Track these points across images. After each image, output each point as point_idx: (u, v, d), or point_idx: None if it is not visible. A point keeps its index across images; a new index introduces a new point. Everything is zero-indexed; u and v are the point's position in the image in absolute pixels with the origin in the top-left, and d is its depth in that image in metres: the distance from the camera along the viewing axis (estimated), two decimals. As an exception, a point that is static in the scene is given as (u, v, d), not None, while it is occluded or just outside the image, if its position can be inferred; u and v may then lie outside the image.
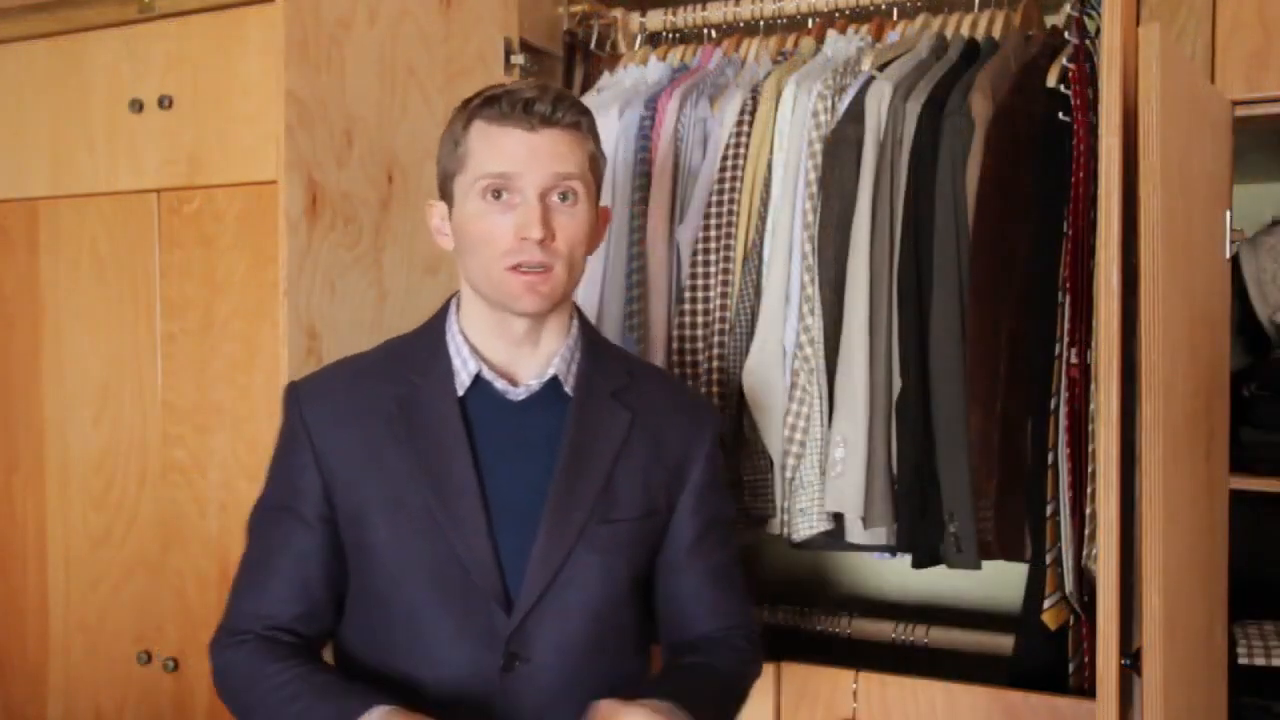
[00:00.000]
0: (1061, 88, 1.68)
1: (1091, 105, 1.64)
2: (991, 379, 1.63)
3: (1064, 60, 1.69)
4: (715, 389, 1.79)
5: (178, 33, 1.70)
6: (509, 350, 1.35)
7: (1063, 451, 1.65)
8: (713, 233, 1.83)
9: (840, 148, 1.73)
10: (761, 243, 1.81)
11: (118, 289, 1.77)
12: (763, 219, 1.81)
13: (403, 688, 1.29)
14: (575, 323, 1.39)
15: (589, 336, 1.42)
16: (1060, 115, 1.66)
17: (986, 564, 1.67)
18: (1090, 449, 1.62)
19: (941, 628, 2.00)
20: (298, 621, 1.33)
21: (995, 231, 1.65)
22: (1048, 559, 1.65)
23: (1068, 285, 1.65)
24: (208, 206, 1.70)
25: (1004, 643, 1.85)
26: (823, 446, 1.72)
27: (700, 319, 1.83)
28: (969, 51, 1.83)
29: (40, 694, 1.86)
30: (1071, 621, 1.68)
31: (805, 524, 1.74)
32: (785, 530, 1.77)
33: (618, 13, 2.16)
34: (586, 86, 2.14)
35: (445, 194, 1.35)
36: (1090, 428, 1.61)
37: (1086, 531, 1.62)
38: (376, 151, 1.71)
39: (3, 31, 1.83)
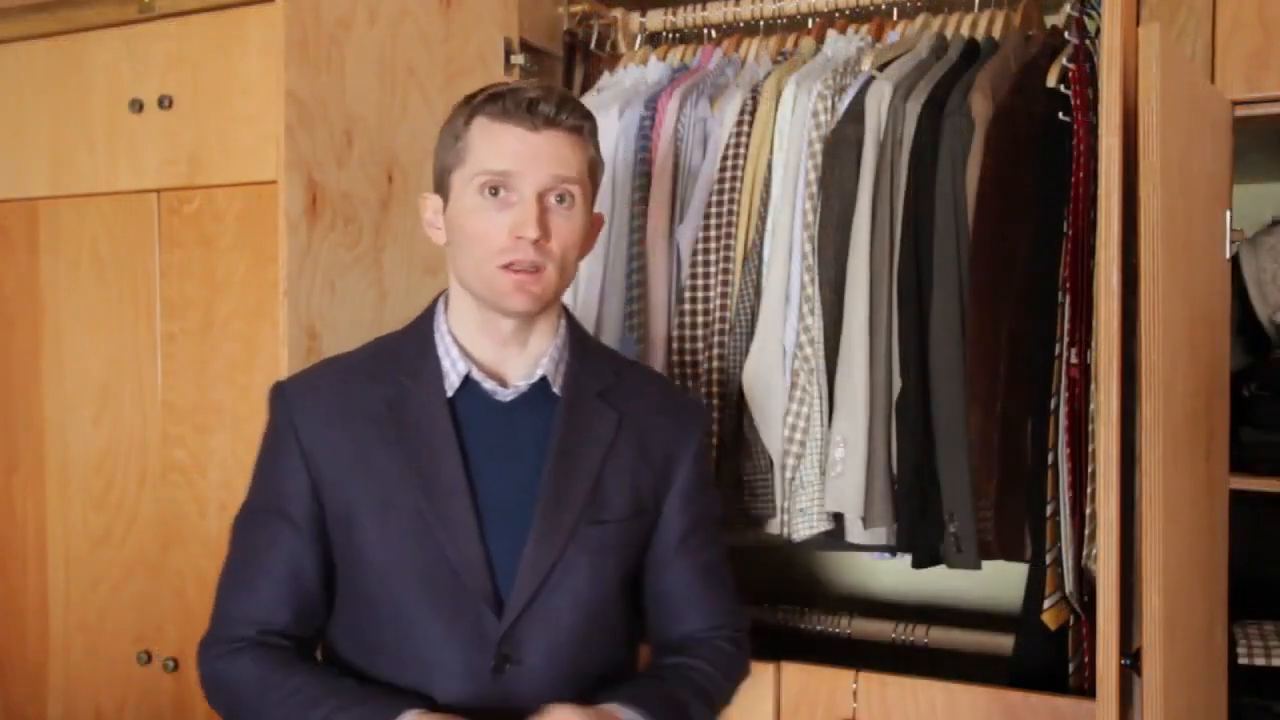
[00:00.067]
0: (1061, 88, 1.68)
1: (1091, 105, 1.64)
2: (991, 379, 1.63)
3: (1064, 60, 1.69)
4: (715, 389, 1.79)
5: (178, 33, 1.70)
6: (497, 350, 1.35)
7: (1063, 451, 1.65)
8: (713, 233, 1.83)
9: (840, 148, 1.73)
10: (761, 243, 1.81)
11: (118, 289, 1.77)
12: (763, 219, 1.81)
13: (392, 690, 1.28)
14: (563, 323, 1.39)
15: (577, 336, 1.42)
16: (1060, 115, 1.66)
17: (986, 564, 1.67)
18: (1090, 449, 1.62)
19: (941, 628, 2.00)
20: (291, 625, 1.32)
21: (995, 231, 1.65)
22: (1048, 559, 1.65)
23: (1068, 285, 1.65)
24: (208, 206, 1.70)
25: (1004, 643, 1.85)
26: (823, 446, 1.72)
27: (700, 319, 1.83)
28: (969, 51, 1.83)
29: (40, 694, 1.86)
30: (1071, 621, 1.68)
31: (805, 524, 1.74)
32: (785, 530, 1.77)
33: (618, 13, 2.16)
34: (586, 86, 2.14)
35: (441, 188, 1.34)
36: (1090, 428, 1.61)
37: (1086, 531, 1.62)
38: (376, 151, 1.71)
39: (3, 31, 1.83)
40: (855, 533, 1.75)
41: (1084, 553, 1.63)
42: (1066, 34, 1.73)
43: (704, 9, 2.08)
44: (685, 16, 2.09)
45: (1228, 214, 1.67)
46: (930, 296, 1.68)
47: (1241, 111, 1.71)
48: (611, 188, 1.90)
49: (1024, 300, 1.65)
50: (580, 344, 1.41)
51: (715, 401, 1.79)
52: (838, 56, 1.91)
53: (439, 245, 1.38)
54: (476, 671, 1.28)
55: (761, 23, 2.04)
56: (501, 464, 1.33)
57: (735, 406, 1.79)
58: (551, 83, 2.08)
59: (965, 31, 1.89)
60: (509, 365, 1.36)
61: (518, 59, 1.98)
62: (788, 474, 1.75)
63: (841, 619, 2.06)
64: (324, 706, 1.24)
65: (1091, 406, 1.60)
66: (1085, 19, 1.72)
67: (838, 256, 1.72)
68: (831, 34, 1.96)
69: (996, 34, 1.87)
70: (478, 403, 1.34)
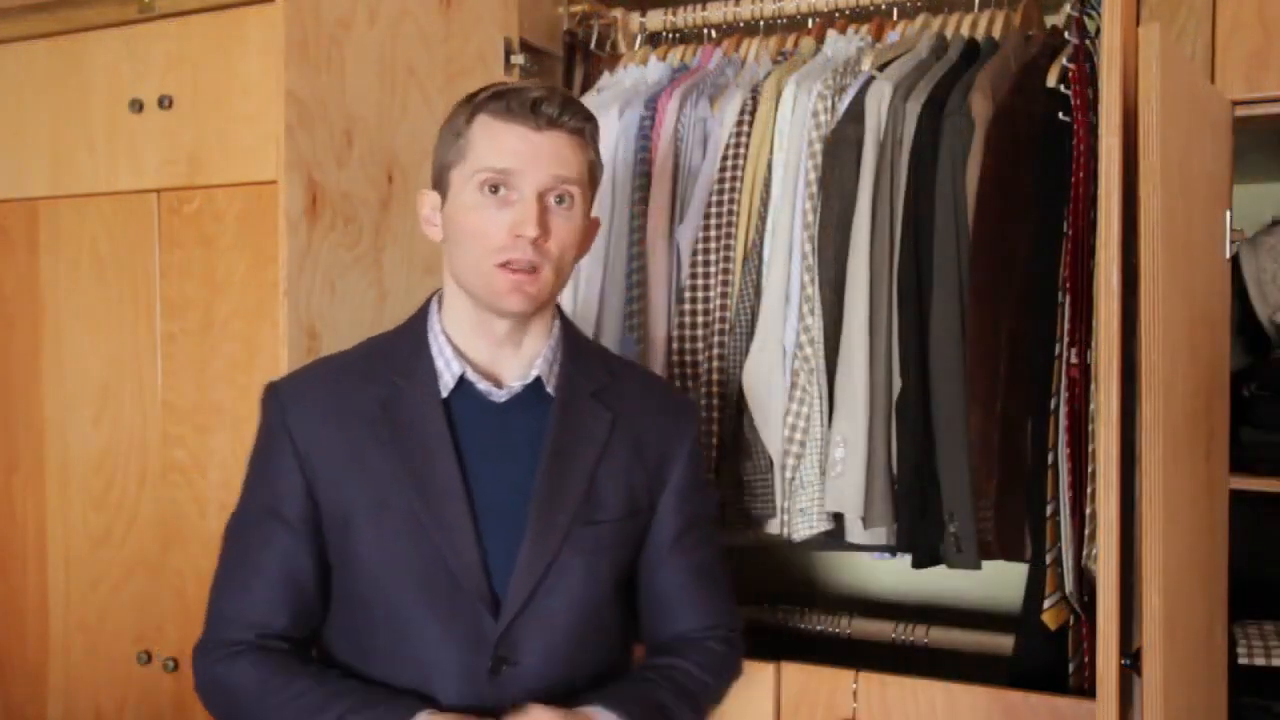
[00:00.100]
0: (1061, 88, 1.68)
1: (1091, 105, 1.64)
2: (991, 379, 1.63)
3: (1064, 60, 1.69)
4: (715, 389, 1.79)
5: (178, 33, 1.70)
6: (491, 351, 1.35)
7: (1063, 451, 1.65)
8: (713, 233, 1.83)
9: (840, 148, 1.73)
10: (761, 243, 1.81)
11: (118, 289, 1.77)
12: (763, 219, 1.81)
13: (395, 691, 1.28)
14: (557, 323, 1.39)
15: (570, 336, 1.41)
16: (1060, 115, 1.66)
17: (986, 564, 1.67)
18: (1090, 449, 1.62)
19: (941, 628, 2.00)
20: (289, 627, 1.32)
21: (995, 231, 1.65)
22: (1048, 559, 1.65)
23: (1068, 285, 1.65)
24: (208, 206, 1.70)
25: (1004, 643, 1.85)
26: (823, 446, 1.72)
27: (700, 319, 1.83)
28: (969, 51, 1.83)
29: (40, 694, 1.86)
30: (1071, 621, 1.68)
31: (805, 524, 1.74)
32: (785, 530, 1.77)
33: (618, 13, 2.16)
34: (586, 86, 2.14)
35: (440, 184, 1.34)
36: (1090, 428, 1.61)
37: (1086, 531, 1.62)
38: (376, 151, 1.71)
39: (3, 31, 1.83)
40: (855, 533, 1.75)
41: (1084, 553, 1.63)
42: (1066, 34, 1.73)
43: (704, 9, 2.08)
44: (685, 16, 2.09)
45: (1228, 214, 1.67)
46: (930, 296, 1.68)
47: (1241, 111, 1.71)
48: (611, 188, 1.90)
49: (1024, 300, 1.65)
50: (574, 344, 1.41)
51: (715, 401, 1.79)
52: (838, 56, 1.91)
53: (435, 242, 1.37)
54: (473, 673, 1.28)
55: (761, 23, 2.04)
56: (496, 465, 1.32)
57: (735, 406, 1.79)
58: (553, 83, 2.09)
59: (965, 31, 1.89)
60: (503, 365, 1.35)
61: (518, 59, 1.98)
62: (788, 474, 1.75)
63: (841, 619, 2.06)
64: (331, 710, 1.24)
65: (1091, 406, 1.60)
66: (1085, 19, 1.72)
67: (838, 256, 1.72)
68: (831, 34, 1.96)
69: (996, 34, 1.87)
70: (472, 403, 1.33)
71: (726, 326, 1.81)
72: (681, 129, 1.90)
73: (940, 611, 2.20)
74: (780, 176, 1.80)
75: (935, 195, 1.69)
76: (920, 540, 1.70)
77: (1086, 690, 1.62)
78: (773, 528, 1.79)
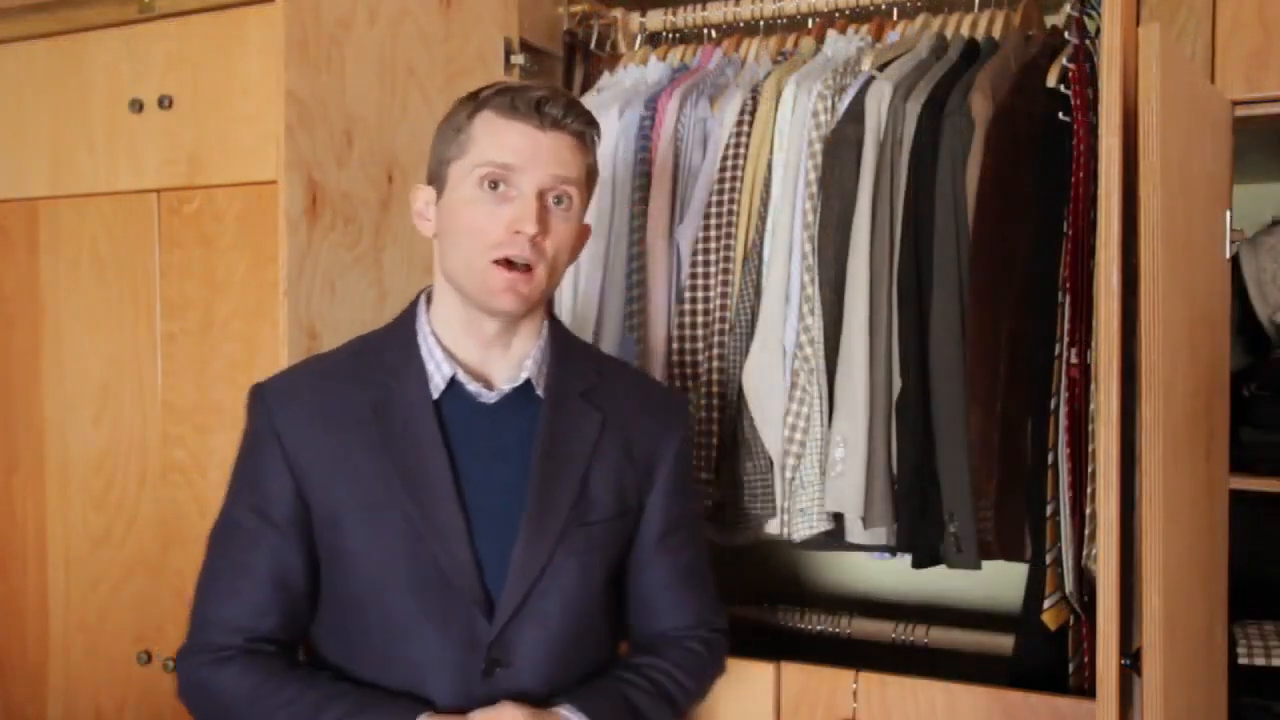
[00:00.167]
0: (1061, 88, 1.68)
1: (1091, 105, 1.64)
2: (991, 379, 1.63)
3: (1064, 60, 1.69)
4: (715, 389, 1.79)
5: (178, 33, 1.70)
6: (480, 351, 1.34)
7: (1063, 451, 1.65)
8: (713, 233, 1.83)
9: (840, 148, 1.73)
10: (761, 243, 1.81)
11: (118, 289, 1.77)
12: (763, 219, 1.81)
13: (390, 693, 1.28)
14: (546, 324, 1.39)
15: (559, 336, 1.41)
16: (1060, 115, 1.66)
17: (986, 564, 1.67)
18: (1090, 449, 1.62)
19: (941, 628, 2.00)
20: (278, 630, 1.31)
21: (995, 231, 1.65)
22: (1048, 559, 1.65)
23: (1068, 285, 1.65)
24: (208, 206, 1.70)
25: (1004, 643, 1.85)
26: (823, 446, 1.72)
27: (700, 319, 1.83)
28: (969, 51, 1.83)
29: (40, 694, 1.86)
30: (1071, 621, 1.68)
31: (805, 524, 1.74)
32: (785, 530, 1.77)
33: (618, 13, 2.16)
34: (586, 86, 2.14)
35: (436, 179, 1.34)
36: (1090, 428, 1.61)
37: (1086, 531, 1.62)
38: (376, 151, 1.71)
39: (3, 31, 1.83)
40: (855, 533, 1.75)
41: (1084, 553, 1.63)
42: (1066, 34, 1.73)
43: (704, 9, 2.08)
44: (685, 16, 2.09)
45: (1228, 214, 1.67)
46: (930, 296, 1.68)
47: (1241, 111, 1.71)
48: (611, 188, 1.90)
49: (1024, 300, 1.65)
50: (562, 344, 1.41)
51: (715, 401, 1.79)
52: (838, 56, 1.91)
53: (426, 237, 1.37)
54: (466, 674, 1.28)
55: (761, 23, 2.04)
56: (488, 467, 1.32)
57: (735, 406, 1.79)
58: (553, 84, 2.09)
59: (965, 31, 1.89)
60: (493, 366, 1.35)
61: (518, 59, 1.98)
62: (788, 474, 1.75)
63: (841, 619, 2.06)
64: (326, 715, 1.23)
65: (1091, 406, 1.60)
66: (1085, 19, 1.72)
67: (838, 256, 1.72)
68: (831, 34, 1.96)
69: (996, 34, 1.87)
70: (462, 405, 1.33)
71: (726, 326, 1.81)
72: (681, 129, 1.90)
73: (940, 611, 2.20)
74: (780, 176, 1.80)
75: (935, 195, 1.69)
76: (920, 540, 1.70)
77: (1086, 690, 1.62)
78: (773, 528, 1.79)
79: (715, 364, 1.80)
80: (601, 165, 1.84)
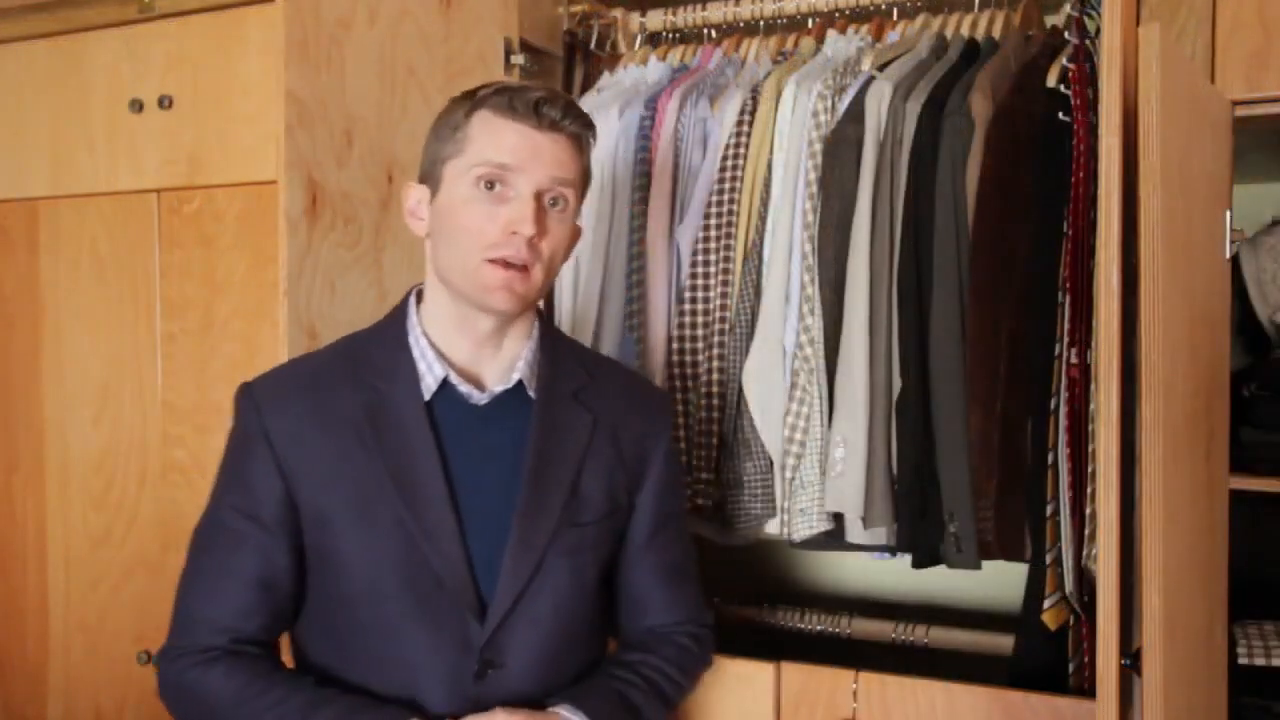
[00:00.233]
0: (1061, 88, 1.68)
1: (1091, 105, 1.64)
2: (991, 379, 1.63)
3: (1064, 60, 1.69)
4: (715, 389, 1.79)
5: (178, 33, 1.70)
6: (472, 352, 1.34)
7: (1063, 451, 1.65)
8: (713, 233, 1.82)
9: (840, 148, 1.73)
10: (761, 243, 1.81)
11: (118, 289, 1.77)
12: (763, 219, 1.81)
13: (370, 695, 1.27)
14: (537, 325, 1.39)
15: (549, 336, 1.41)
16: (1060, 115, 1.66)
17: (986, 564, 1.67)
18: (1090, 449, 1.62)
19: (941, 628, 2.00)
20: (262, 631, 1.30)
21: (995, 231, 1.65)
22: (1048, 559, 1.65)
23: (1068, 285, 1.65)
24: (208, 206, 1.70)
25: (1004, 643, 1.85)
26: (823, 446, 1.72)
27: (700, 319, 1.83)
28: (969, 51, 1.83)
29: (40, 694, 1.86)
30: (1071, 621, 1.68)
31: (805, 524, 1.74)
32: (785, 530, 1.77)
33: (618, 13, 2.16)
34: (586, 86, 2.14)
35: (430, 178, 1.33)
36: (1090, 428, 1.61)
37: (1086, 531, 1.62)
38: (376, 151, 1.72)
39: (3, 31, 1.83)
40: (855, 533, 1.74)
41: (1084, 553, 1.63)
42: (1066, 34, 1.73)
43: (704, 9, 2.08)
44: (685, 16, 2.09)
45: (1228, 214, 1.67)
46: (930, 296, 1.68)
47: (1241, 111, 1.71)
48: (611, 188, 1.90)
49: (1024, 300, 1.65)
50: (552, 344, 1.41)
51: (715, 401, 1.79)
52: (838, 56, 1.90)
53: (418, 236, 1.36)
54: (458, 676, 1.28)
55: (761, 23, 2.04)
56: (480, 468, 1.32)
57: (735, 406, 1.79)
58: (553, 83, 2.09)
59: (965, 31, 1.89)
60: (484, 367, 1.35)
61: (518, 59, 1.98)
62: (788, 474, 1.75)
63: (841, 619, 2.05)
64: (320, 715, 1.23)
65: (1091, 406, 1.60)
66: (1085, 19, 1.72)
67: (838, 256, 1.72)
68: (831, 34, 1.96)
69: (996, 34, 1.87)
70: (454, 406, 1.32)
71: (726, 326, 1.80)
72: (681, 129, 1.90)
73: (940, 611, 2.20)
74: (780, 176, 1.80)
75: (935, 195, 1.69)
76: (920, 540, 1.70)
77: (1086, 690, 1.62)
78: (773, 528, 1.79)
79: (715, 364, 1.80)
80: (601, 165, 1.85)
